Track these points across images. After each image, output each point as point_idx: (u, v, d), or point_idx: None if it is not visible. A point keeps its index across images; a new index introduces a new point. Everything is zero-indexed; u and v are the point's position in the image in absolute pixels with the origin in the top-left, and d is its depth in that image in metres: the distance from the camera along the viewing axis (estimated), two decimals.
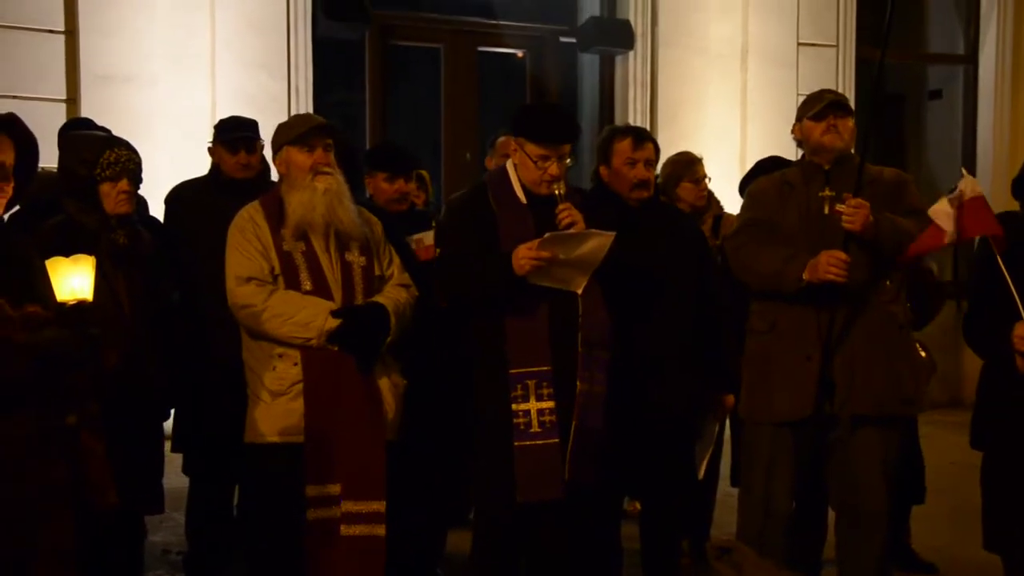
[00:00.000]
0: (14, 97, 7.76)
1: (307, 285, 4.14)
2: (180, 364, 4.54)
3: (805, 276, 4.27)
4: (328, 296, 4.15)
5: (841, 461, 4.49)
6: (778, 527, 4.54)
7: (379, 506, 4.10)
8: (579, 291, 4.14)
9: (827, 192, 4.42)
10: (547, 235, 4.01)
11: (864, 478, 4.46)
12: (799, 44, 10.53)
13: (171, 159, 6.77)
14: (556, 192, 4.15)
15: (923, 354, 5.13)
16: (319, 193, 4.19)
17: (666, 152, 5.68)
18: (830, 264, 4.20)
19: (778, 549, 4.49)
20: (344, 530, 4.09)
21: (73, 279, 3.07)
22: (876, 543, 4.50)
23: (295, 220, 4.17)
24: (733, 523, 4.81)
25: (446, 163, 9.76)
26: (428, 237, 4.94)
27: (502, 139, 5.77)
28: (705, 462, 4.91)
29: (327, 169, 4.24)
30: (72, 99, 8.05)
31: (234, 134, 5.14)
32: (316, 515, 4.09)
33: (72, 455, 3.11)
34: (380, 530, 4.11)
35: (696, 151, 5.79)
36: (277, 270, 4.15)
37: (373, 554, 4.10)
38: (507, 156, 4.45)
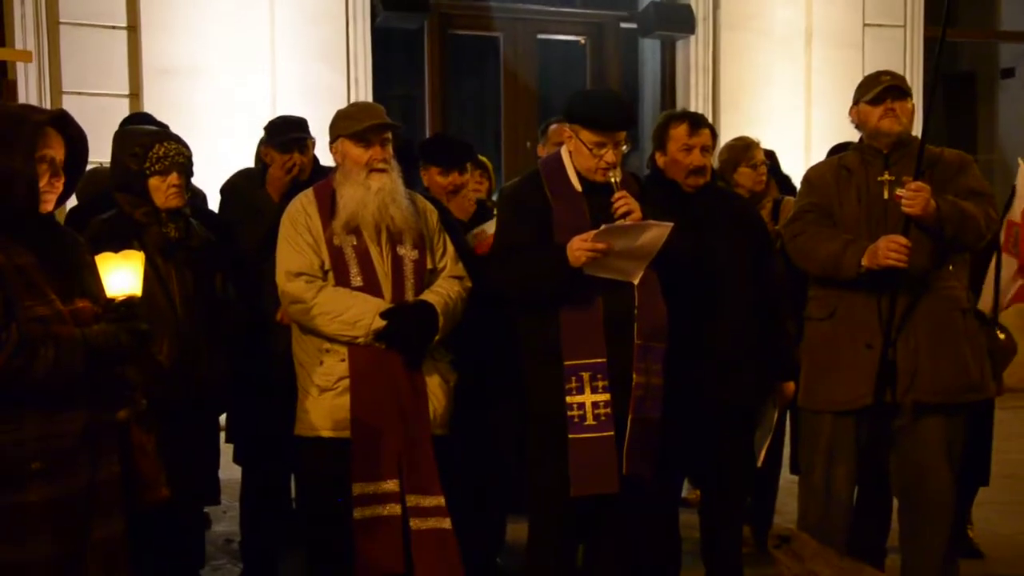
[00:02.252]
0: (79, 93, 7.91)
1: (357, 280, 4.12)
2: (234, 356, 4.54)
3: (864, 262, 4.18)
4: (378, 291, 4.13)
5: (904, 449, 4.40)
6: (840, 515, 4.48)
7: (439, 500, 4.10)
8: (635, 281, 4.08)
9: (887, 176, 4.33)
10: (603, 227, 3.94)
11: (928, 467, 4.38)
12: (865, 25, 10.37)
13: (231, 152, 6.80)
14: (612, 180, 4.09)
15: (1002, 336, 5.03)
16: (372, 191, 4.16)
17: (729, 137, 5.63)
18: (890, 249, 4.11)
19: (840, 537, 4.43)
20: (415, 524, 4.08)
21: (122, 275, 3.08)
22: (941, 532, 4.42)
23: (346, 216, 4.15)
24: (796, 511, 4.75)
25: (506, 152, 9.75)
26: (490, 227, 4.89)
27: (554, 127, 5.72)
28: (764, 450, 4.85)
29: (382, 166, 4.20)
30: (135, 94, 8.17)
31: (286, 136, 5.09)
32: (363, 514, 4.08)
33: (123, 450, 3.13)
34: (446, 523, 4.11)
35: (760, 136, 5.72)
36: (327, 265, 4.14)
37: (448, 548, 4.11)
38: (560, 144, 4.39)
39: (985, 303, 4.81)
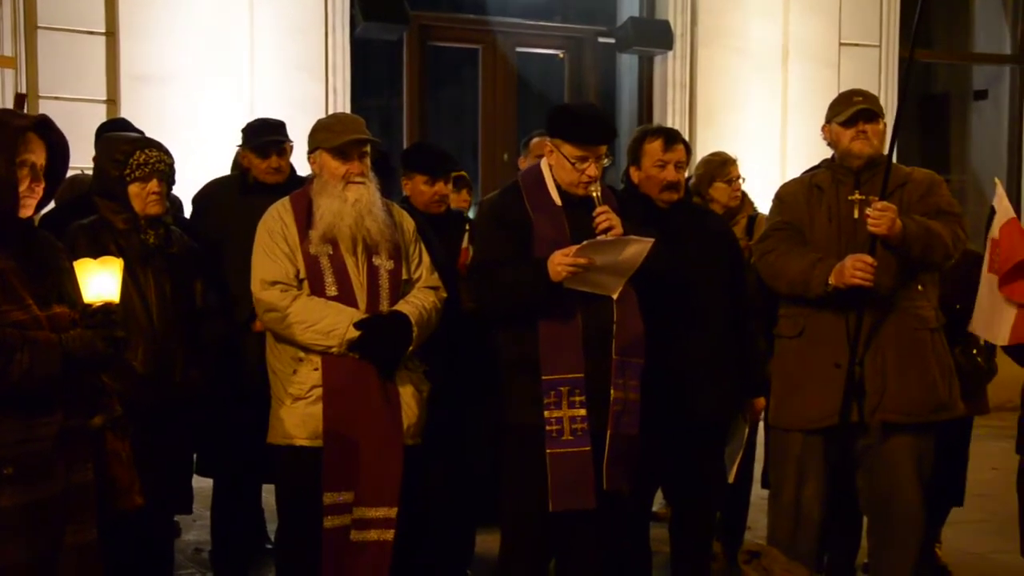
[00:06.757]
0: (56, 98, 7.86)
1: (332, 290, 4.13)
2: (212, 365, 4.53)
3: (831, 281, 4.21)
4: (353, 301, 4.14)
5: (873, 468, 4.43)
6: (809, 533, 4.49)
7: (390, 512, 4.10)
8: (615, 296, 4.10)
9: (857, 196, 4.37)
10: (585, 242, 3.95)
11: (897, 486, 4.41)
12: (841, 44, 10.42)
13: (209, 160, 6.80)
14: (594, 194, 4.10)
15: (980, 360, 5.06)
16: (348, 203, 4.17)
17: (705, 153, 5.65)
18: (856, 268, 4.14)
19: (810, 555, 4.47)
20: (355, 535, 4.09)
21: (100, 281, 3.08)
22: (909, 550, 4.45)
23: (323, 227, 4.16)
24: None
25: (483, 164, 9.77)
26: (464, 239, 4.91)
27: (536, 140, 5.74)
28: (735, 465, 4.87)
29: (359, 179, 4.21)
30: (112, 100, 8.12)
31: (263, 138, 5.12)
32: (333, 523, 4.10)
33: (97, 457, 3.13)
34: (388, 535, 4.11)
35: (736, 152, 5.74)
36: (302, 274, 4.15)
37: (380, 559, 4.11)
38: (541, 157, 4.40)
39: (974, 326, 4.83)
